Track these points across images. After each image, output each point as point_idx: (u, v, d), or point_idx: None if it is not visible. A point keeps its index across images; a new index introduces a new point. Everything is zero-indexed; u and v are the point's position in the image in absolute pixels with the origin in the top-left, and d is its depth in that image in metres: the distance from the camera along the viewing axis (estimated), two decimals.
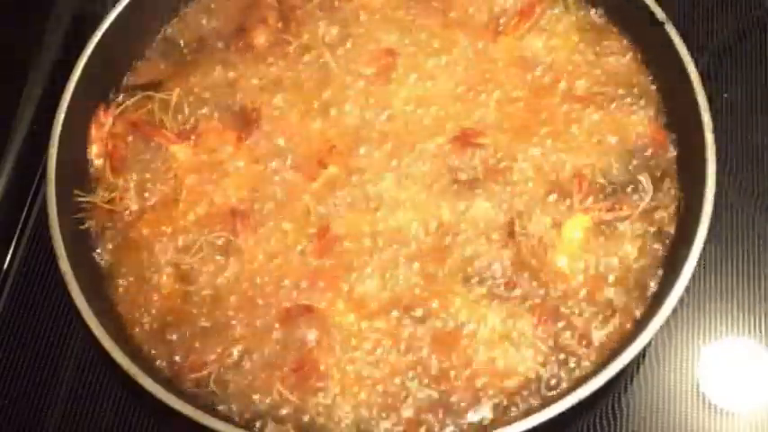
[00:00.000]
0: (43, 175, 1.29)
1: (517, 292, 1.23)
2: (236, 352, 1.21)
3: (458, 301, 1.22)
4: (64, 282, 1.19)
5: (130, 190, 1.33)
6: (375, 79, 1.37)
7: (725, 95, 1.48)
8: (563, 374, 1.19)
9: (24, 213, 1.47)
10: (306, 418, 1.17)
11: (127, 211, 1.31)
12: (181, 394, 1.15)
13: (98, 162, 1.36)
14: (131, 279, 1.28)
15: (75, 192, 1.31)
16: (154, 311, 1.25)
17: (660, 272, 1.24)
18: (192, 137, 1.35)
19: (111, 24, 1.36)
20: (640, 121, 1.33)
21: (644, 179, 1.28)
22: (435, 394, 1.18)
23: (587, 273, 1.24)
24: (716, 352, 1.32)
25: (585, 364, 1.19)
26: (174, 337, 1.23)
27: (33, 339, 1.37)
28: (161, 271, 1.27)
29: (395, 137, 1.33)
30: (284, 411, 1.18)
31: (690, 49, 1.28)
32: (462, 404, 1.17)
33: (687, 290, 1.15)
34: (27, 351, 1.36)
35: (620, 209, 1.26)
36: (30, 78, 1.53)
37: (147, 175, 1.34)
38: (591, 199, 1.27)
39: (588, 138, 1.32)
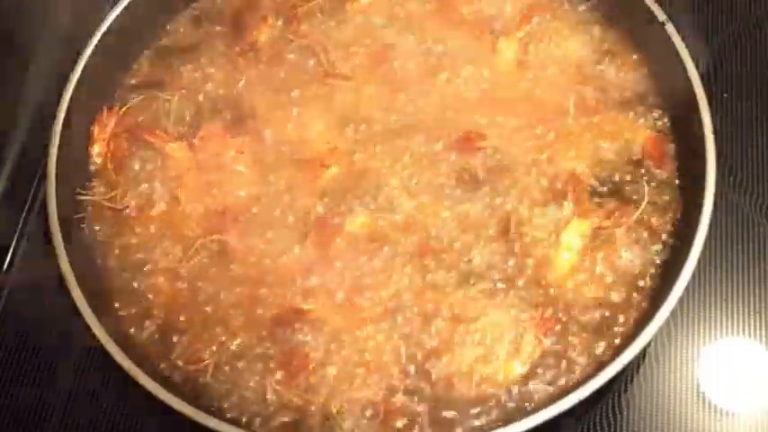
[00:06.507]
0: (43, 175, 1.29)
1: (515, 291, 1.23)
2: (232, 347, 1.21)
3: (455, 300, 1.22)
4: (64, 281, 1.19)
5: (131, 189, 1.33)
6: (376, 80, 1.38)
7: (725, 95, 1.48)
8: (562, 374, 1.19)
9: (24, 213, 1.47)
10: (300, 416, 1.18)
11: (127, 211, 1.31)
12: (181, 394, 1.15)
13: (99, 161, 1.36)
14: (130, 278, 1.28)
15: (76, 190, 1.31)
16: (153, 310, 1.26)
17: (660, 272, 1.24)
18: (194, 139, 1.35)
19: (111, 24, 1.37)
20: (640, 124, 1.33)
21: (642, 182, 1.28)
22: (430, 393, 1.18)
23: (586, 274, 1.24)
24: (716, 352, 1.32)
25: (585, 364, 1.19)
26: (173, 334, 1.24)
27: (33, 339, 1.37)
28: (160, 270, 1.28)
29: (396, 137, 1.33)
30: (279, 408, 1.18)
31: (690, 49, 1.28)
32: (458, 403, 1.17)
33: (687, 290, 1.15)
34: (27, 351, 1.36)
35: (620, 215, 1.26)
36: (30, 78, 1.52)
37: (149, 175, 1.34)
38: (589, 205, 1.27)
39: (587, 140, 1.32)
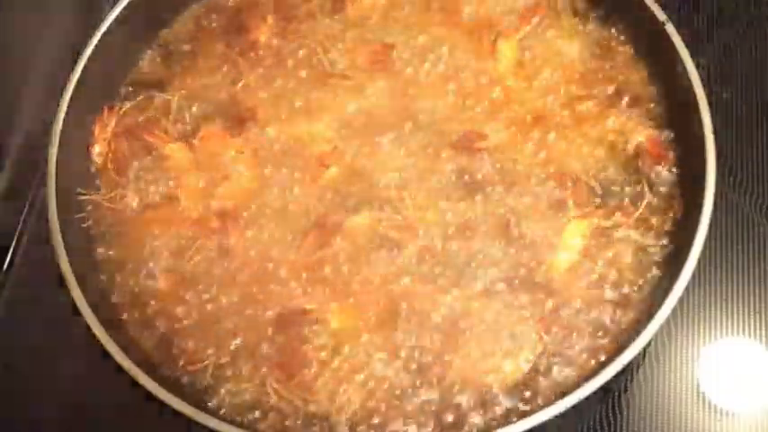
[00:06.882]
0: (43, 175, 1.29)
1: (515, 291, 1.23)
2: (232, 347, 1.22)
3: (455, 300, 1.22)
4: (64, 282, 1.19)
5: (131, 189, 1.33)
6: (376, 80, 1.38)
7: (725, 95, 1.48)
8: (562, 374, 1.19)
9: (24, 213, 1.47)
10: (299, 416, 1.18)
11: (127, 211, 1.31)
12: (181, 394, 1.15)
13: (99, 161, 1.36)
14: (131, 278, 1.28)
15: (77, 190, 1.31)
16: (153, 310, 1.26)
17: (660, 272, 1.24)
18: (194, 140, 1.35)
19: (112, 24, 1.36)
20: (640, 123, 1.33)
21: (642, 182, 1.28)
22: (430, 393, 1.18)
23: (586, 274, 1.24)
24: (716, 352, 1.32)
25: (585, 363, 1.19)
26: (173, 334, 1.24)
27: (33, 339, 1.37)
28: (160, 270, 1.28)
29: (396, 137, 1.33)
30: (278, 408, 1.18)
31: (690, 49, 1.28)
32: (459, 403, 1.17)
33: (687, 290, 1.15)
34: (27, 350, 1.36)
35: (620, 215, 1.26)
36: (30, 78, 1.52)
37: (149, 175, 1.34)
38: (589, 205, 1.27)
39: (587, 140, 1.32)
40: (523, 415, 1.12)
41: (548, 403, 1.12)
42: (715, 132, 1.23)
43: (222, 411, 1.18)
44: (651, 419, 1.28)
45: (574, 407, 1.10)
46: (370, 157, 1.32)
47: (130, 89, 1.41)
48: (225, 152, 1.34)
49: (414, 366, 1.19)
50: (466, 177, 1.30)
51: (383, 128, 1.34)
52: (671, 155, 1.31)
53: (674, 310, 1.14)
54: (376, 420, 1.17)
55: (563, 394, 1.13)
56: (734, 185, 1.42)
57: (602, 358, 1.19)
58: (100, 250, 1.30)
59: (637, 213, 1.26)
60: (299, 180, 1.31)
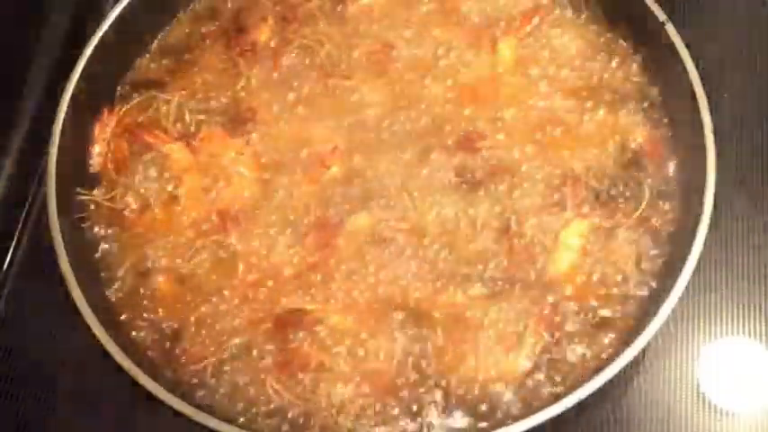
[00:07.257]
0: (43, 175, 1.29)
1: (515, 291, 1.23)
2: (231, 348, 1.22)
3: (455, 300, 1.22)
4: (64, 282, 1.19)
5: (131, 189, 1.33)
6: (376, 79, 1.38)
7: (725, 95, 1.48)
8: (562, 374, 1.19)
9: (24, 213, 1.47)
10: (299, 416, 1.18)
11: (127, 211, 1.31)
12: (181, 394, 1.15)
13: (99, 161, 1.36)
14: (131, 278, 1.28)
15: (77, 190, 1.31)
16: (153, 310, 1.26)
17: (660, 271, 1.24)
18: (194, 140, 1.35)
19: (112, 24, 1.37)
20: (640, 123, 1.33)
21: (642, 181, 1.28)
22: (431, 392, 1.18)
23: (586, 274, 1.24)
24: (716, 352, 1.32)
25: (585, 364, 1.19)
26: (173, 334, 1.24)
27: (33, 339, 1.37)
28: (160, 270, 1.28)
29: (397, 137, 1.33)
30: (278, 408, 1.18)
31: (690, 49, 1.28)
32: (458, 402, 1.17)
33: (687, 290, 1.15)
34: (27, 351, 1.36)
35: (620, 215, 1.26)
36: (30, 78, 1.53)
37: (148, 176, 1.34)
38: (589, 205, 1.27)
39: (587, 140, 1.32)
40: (523, 415, 1.12)
41: (548, 403, 1.12)
42: (715, 132, 1.23)
43: (222, 411, 1.18)
44: (651, 419, 1.28)
45: (574, 407, 1.10)
46: (371, 157, 1.32)
47: (130, 89, 1.42)
48: (225, 153, 1.34)
49: (414, 366, 1.19)
50: (466, 177, 1.30)
51: (383, 128, 1.34)
52: (671, 155, 1.31)
53: (674, 310, 1.14)
54: (376, 420, 1.17)
55: (563, 394, 1.13)
56: (734, 185, 1.42)
57: (603, 358, 1.19)
58: (100, 250, 1.30)
59: (637, 213, 1.26)
60: (300, 180, 1.31)
